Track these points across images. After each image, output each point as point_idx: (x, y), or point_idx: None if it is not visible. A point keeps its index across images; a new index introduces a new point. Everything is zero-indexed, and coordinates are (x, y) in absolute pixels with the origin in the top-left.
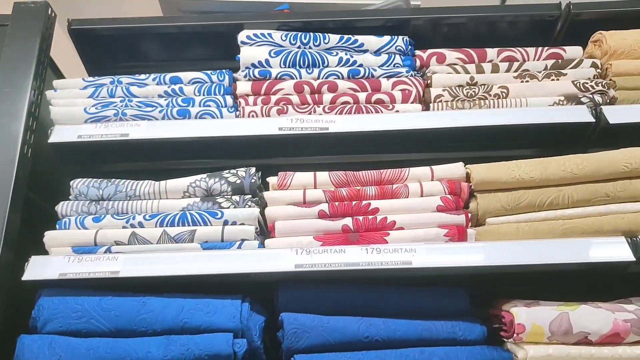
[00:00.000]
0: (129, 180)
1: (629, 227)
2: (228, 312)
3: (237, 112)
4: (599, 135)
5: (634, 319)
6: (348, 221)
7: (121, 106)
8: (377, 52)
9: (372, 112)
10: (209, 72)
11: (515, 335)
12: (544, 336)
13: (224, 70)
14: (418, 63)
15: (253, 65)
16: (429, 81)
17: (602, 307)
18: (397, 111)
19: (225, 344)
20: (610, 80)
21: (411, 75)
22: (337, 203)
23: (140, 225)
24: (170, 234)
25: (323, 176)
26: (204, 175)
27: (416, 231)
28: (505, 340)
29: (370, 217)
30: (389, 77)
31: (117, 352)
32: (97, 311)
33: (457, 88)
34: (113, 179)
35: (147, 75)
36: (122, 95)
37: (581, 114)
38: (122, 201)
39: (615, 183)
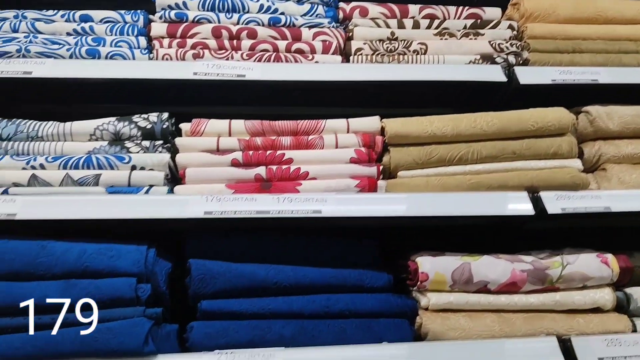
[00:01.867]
0: (31, 121)
1: (531, 183)
2: (133, 257)
3: (151, 55)
4: (511, 95)
5: (530, 269)
6: (261, 170)
7: (25, 42)
8: (299, 1)
9: (291, 62)
10: (122, 11)
11: (419, 283)
12: (446, 284)
13: (138, 11)
14: (341, 15)
15: (169, 6)
16: (350, 34)
17: (502, 257)
18: (317, 62)
19: (128, 288)
20: (525, 42)
21: (333, 27)
22: (251, 152)
23: (42, 167)
24: (74, 177)
25: (238, 124)
26: (113, 119)
27: (328, 182)
28: (411, 288)
29: (284, 167)
30: (310, 27)
31: (11, 294)
32: None
33: (377, 42)
34: (14, 119)
35: (55, 11)
36: (27, 30)
37: (494, 73)
38: (23, 142)
39: (522, 141)
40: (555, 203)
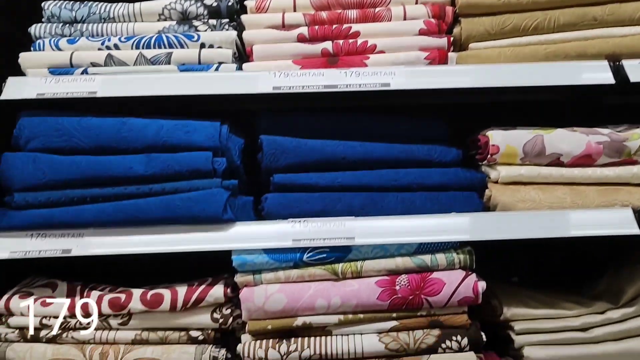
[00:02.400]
0: (101, 2)
1: (612, 51)
2: (207, 132)
3: None
4: None
5: (606, 141)
6: (328, 45)
7: None
8: None
9: None
10: None
11: (489, 156)
12: (517, 157)
13: None
14: None
15: None
16: None
17: (577, 130)
18: None
19: (205, 161)
20: None
21: None
22: (317, 26)
23: (116, 47)
24: (147, 56)
25: None
26: None
27: (396, 54)
28: (480, 163)
29: (350, 40)
30: None
31: (100, 167)
32: (77, 130)
33: None
34: (85, 1)
35: None
36: None
37: None
38: (97, 23)
39: (604, 6)
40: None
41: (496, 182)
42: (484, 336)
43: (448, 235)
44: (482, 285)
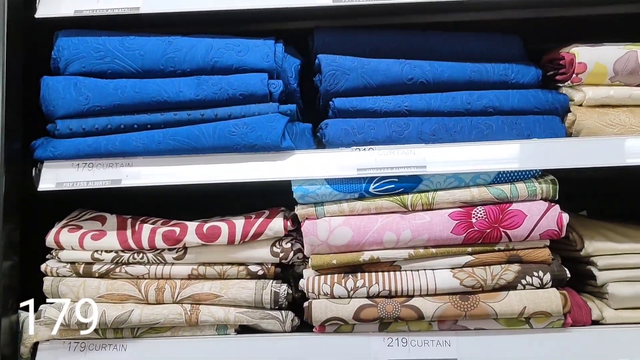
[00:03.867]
0: None
1: None
2: (261, 51)
3: None
4: None
5: None
6: None
7: None
8: None
9: None
10: None
11: (574, 76)
12: (606, 77)
13: None
14: None
15: None
16: None
17: None
18: None
19: (260, 84)
20: None
21: None
22: None
23: None
24: None
25: None
26: None
27: None
28: (561, 85)
29: None
30: None
31: (147, 91)
32: (120, 51)
33: None
34: None
35: None
36: None
37: None
38: None
39: None
40: None
41: (580, 105)
42: (567, 272)
43: (529, 163)
44: (566, 217)
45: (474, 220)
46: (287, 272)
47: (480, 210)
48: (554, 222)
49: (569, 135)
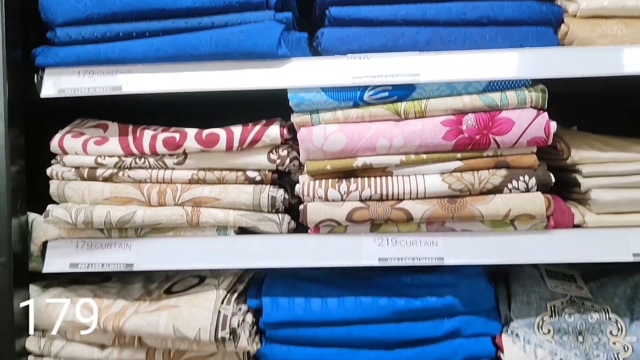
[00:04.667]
0: None
1: None
2: None
3: None
4: None
5: None
6: None
7: None
8: None
9: None
10: None
11: None
12: None
13: None
14: None
15: None
16: None
17: None
18: None
19: None
20: None
21: None
22: None
23: None
24: None
25: None
26: None
27: None
28: None
29: None
30: None
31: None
32: None
33: None
34: None
35: None
36: None
37: None
38: None
39: None
40: None
41: (574, 16)
42: (552, 177)
43: (521, 72)
44: (553, 125)
45: (464, 127)
46: (283, 179)
47: (470, 118)
48: (541, 129)
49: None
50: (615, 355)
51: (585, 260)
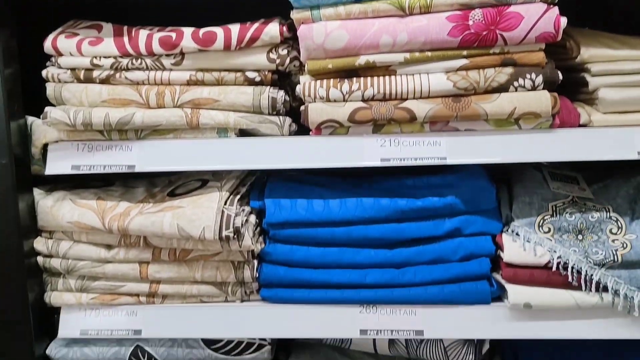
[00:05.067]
0: None
1: None
2: None
3: None
4: None
5: None
6: None
7: None
8: None
9: None
10: None
11: None
12: None
13: None
14: None
15: None
16: None
17: None
18: None
19: None
20: None
21: None
22: None
23: None
24: None
25: None
26: None
27: None
28: None
29: None
30: None
31: None
32: None
33: None
34: None
35: None
36: None
37: None
38: None
39: None
40: None
41: None
42: (560, 75)
43: None
44: (564, 20)
45: (470, 22)
46: (284, 81)
47: (477, 13)
48: (550, 24)
49: None
50: (614, 252)
51: (589, 158)
